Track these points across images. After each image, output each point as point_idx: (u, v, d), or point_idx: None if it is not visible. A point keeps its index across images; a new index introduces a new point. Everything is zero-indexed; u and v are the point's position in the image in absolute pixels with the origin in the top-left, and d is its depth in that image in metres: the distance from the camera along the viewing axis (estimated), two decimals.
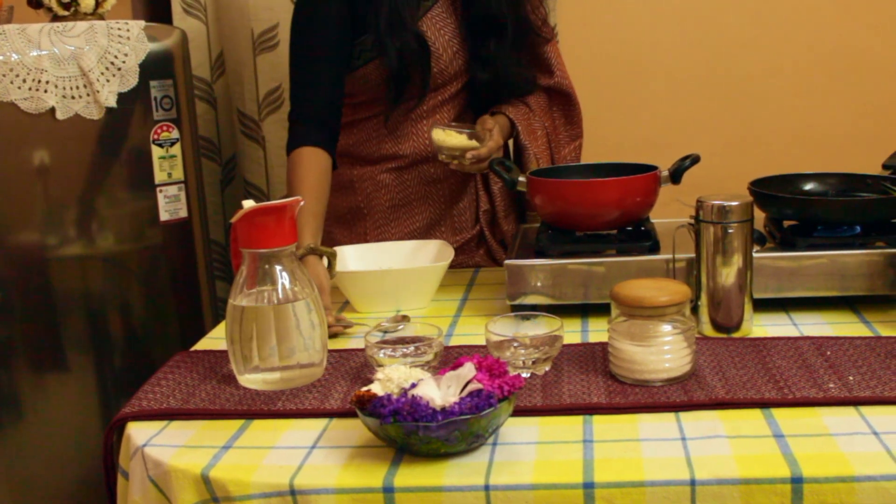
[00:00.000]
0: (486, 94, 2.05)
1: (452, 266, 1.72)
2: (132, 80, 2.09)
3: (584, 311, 1.59)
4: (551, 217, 1.67)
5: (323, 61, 1.90)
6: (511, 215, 2.08)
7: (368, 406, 1.09)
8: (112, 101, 2.06)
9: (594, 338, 1.47)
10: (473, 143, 1.81)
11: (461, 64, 1.98)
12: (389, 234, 2.03)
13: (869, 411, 1.17)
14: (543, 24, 2.06)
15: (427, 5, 1.94)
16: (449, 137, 1.82)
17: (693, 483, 1.03)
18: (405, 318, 1.59)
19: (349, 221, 2.06)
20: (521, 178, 1.69)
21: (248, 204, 1.31)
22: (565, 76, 2.10)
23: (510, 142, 2.06)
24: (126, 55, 2.07)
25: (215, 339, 1.58)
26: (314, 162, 1.83)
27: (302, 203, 1.35)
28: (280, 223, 1.31)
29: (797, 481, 1.02)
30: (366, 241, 1.99)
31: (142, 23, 2.12)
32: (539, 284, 1.56)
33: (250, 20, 2.56)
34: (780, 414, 1.17)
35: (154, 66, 2.12)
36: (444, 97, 1.99)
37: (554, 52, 2.08)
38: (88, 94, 2.03)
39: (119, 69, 2.06)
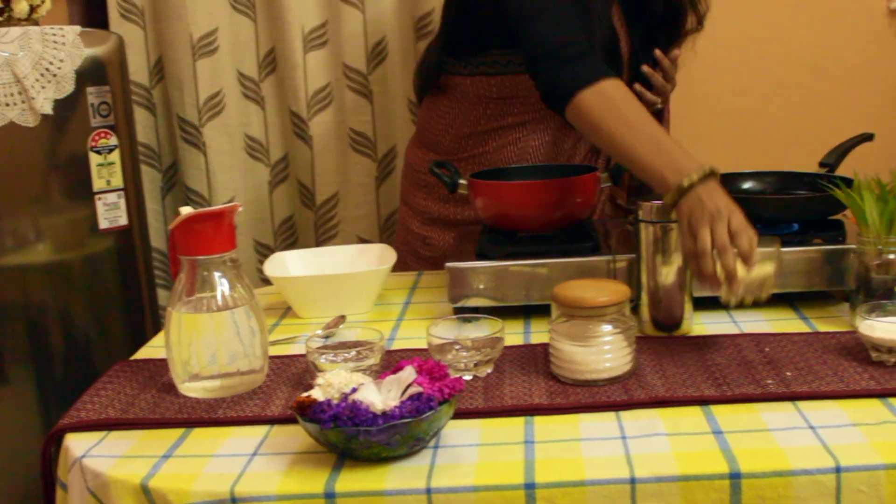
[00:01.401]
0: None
1: None
2: (68, 87, 2.06)
3: (527, 312, 1.60)
4: (493, 219, 1.67)
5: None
6: None
7: (308, 412, 1.08)
8: (48, 108, 2.03)
9: (536, 339, 1.47)
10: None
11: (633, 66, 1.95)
12: None
13: (805, 406, 1.19)
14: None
15: None
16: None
17: (633, 481, 1.03)
18: (342, 319, 1.59)
19: (460, 226, 2.01)
20: (462, 181, 1.69)
21: (186, 210, 1.29)
22: None
23: None
24: (62, 61, 2.04)
25: (156, 348, 1.56)
26: (627, 91, 1.60)
27: (239, 209, 1.33)
28: (219, 229, 1.30)
29: (735, 477, 1.03)
30: None
31: (77, 28, 2.09)
32: (482, 287, 1.56)
33: (189, 25, 2.54)
34: (718, 410, 1.18)
35: (90, 72, 2.10)
36: None
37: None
38: (23, 101, 2.00)
39: (55, 75, 2.03)
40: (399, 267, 2.09)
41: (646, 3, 1.95)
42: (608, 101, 1.54)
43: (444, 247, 1.98)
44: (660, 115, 2.01)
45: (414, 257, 2.06)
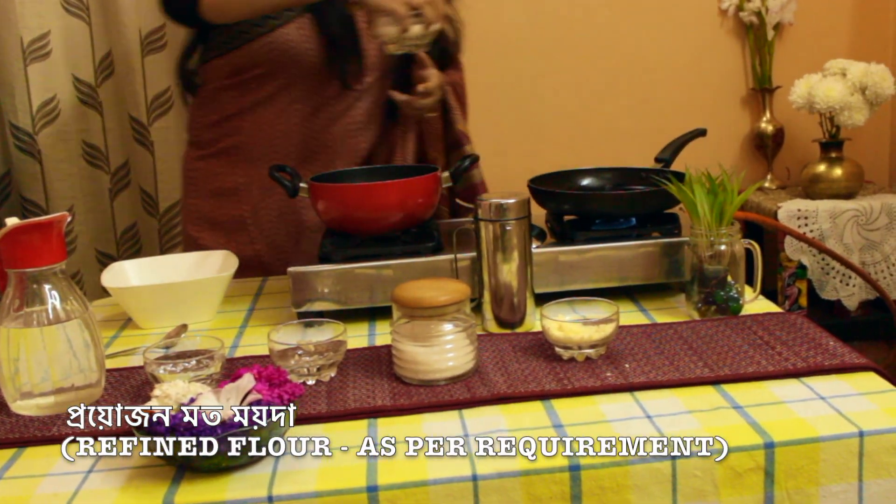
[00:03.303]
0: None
1: None
2: None
3: (372, 314, 1.59)
4: (334, 222, 1.65)
5: None
6: None
7: (145, 424, 1.06)
8: None
9: (381, 341, 1.47)
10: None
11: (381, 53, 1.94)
12: (280, 242, 1.99)
13: (643, 396, 1.21)
14: None
15: None
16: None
17: (475, 479, 1.04)
18: (183, 328, 1.55)
19: (229, 230, 2.00)
20: (303, 185, 1.67)
21: (12, 221, 1.25)
22: None
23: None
24: None
25: None
26: None
27: (68, 218, 1.29)
28: (47, 240, 1.25)
29: (575, 469, 1.05)
30: (254, 249, 1.97)
31: None
32: (325, 290, 1.55)
33: (19, 28, 2.45)
34: (559, 404, 1.20)
35: None
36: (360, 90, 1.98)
37: None
38: None
39: None
40: None
41: None
42: None
43: (216, 248, 1.91)
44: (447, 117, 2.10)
45: None
